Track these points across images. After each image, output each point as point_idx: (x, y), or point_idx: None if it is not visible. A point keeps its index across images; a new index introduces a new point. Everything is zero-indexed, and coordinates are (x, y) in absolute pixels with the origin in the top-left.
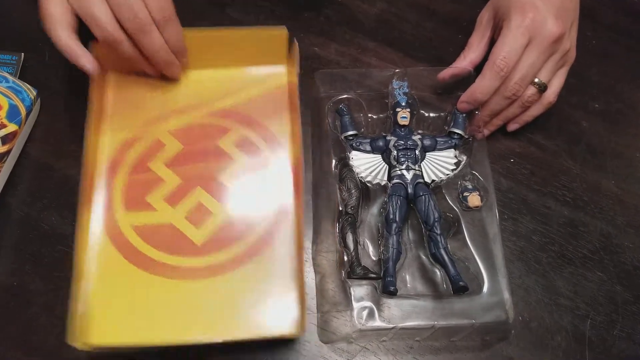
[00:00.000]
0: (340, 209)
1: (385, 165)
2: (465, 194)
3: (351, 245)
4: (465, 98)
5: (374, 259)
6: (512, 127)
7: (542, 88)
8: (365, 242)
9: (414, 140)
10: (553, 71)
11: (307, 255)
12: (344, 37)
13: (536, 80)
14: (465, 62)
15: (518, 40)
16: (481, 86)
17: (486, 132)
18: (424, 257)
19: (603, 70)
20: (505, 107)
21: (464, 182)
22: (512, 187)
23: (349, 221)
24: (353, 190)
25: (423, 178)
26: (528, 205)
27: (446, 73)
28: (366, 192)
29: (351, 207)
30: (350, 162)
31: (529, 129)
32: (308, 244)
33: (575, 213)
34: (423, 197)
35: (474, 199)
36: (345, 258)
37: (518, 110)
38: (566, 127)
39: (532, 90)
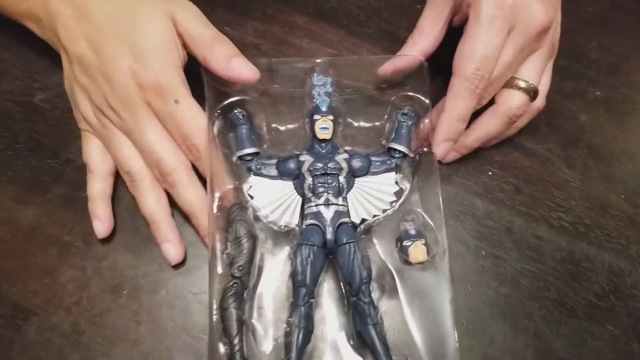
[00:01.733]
0: (220, 271)
1: (298, 197)
2: (406, 243)
3: (233, 330)
4: (444, 136)
5: (269, 345)
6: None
7: (533, 94)
8: (255, 324)
9: (337, 162)
10: (542, 69)
11: None
12: (265, 11)
13: (522, 85)
14: (414, 50)
15: (493, 40)
16: (457, 114)
17: (452, 156)
18: (343, 340)
19: (604, 45)
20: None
21: (404, 223)
22: (492, 212)
23: (234, 290)
24: (243, 240)
25: (349, 217)
26: (513, 236)
27: (388, 67)
28: (265, 240)
29: (239, 267)
30: (247, 193)
31: None
32: None
33: (576, 243)
34: (347, 246)
35: (416, 252)
36: (223, 349)
37: (501, 127)
38: (560, 123)
39: (519, 98)
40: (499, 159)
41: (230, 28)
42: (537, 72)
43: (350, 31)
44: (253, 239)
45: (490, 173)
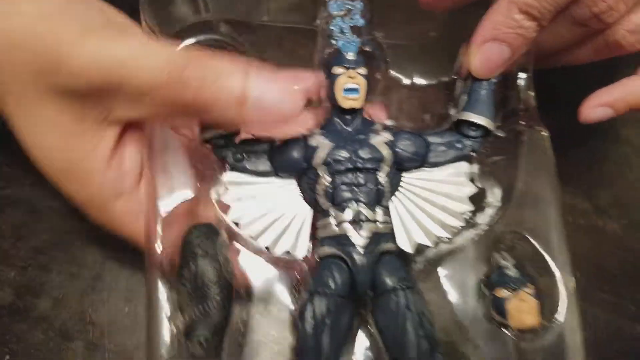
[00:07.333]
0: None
1: (307, 209)
2: (501, 292)
3: None
4: (487, 33)
5: None
6: (593, 113)
7: None
8: None
9: (373, 148)
10: None
11: None
12: None
13: None
14: None
15: None
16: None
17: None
18: None
19: None
20: (570, 41)
21: (496, 255)
22: None
23: None
24: (211, 291)
25: (395, 241)
26: None
27: None
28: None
29: (201, 341)
30: (223, 199)
31: None
32: None
33: None
34: (393, 295)
35: (521, 310)
36: None
37: (595, 56)
38: None
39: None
40: None
41: None
42: None
43: None
44: (227, 289)
45: None
